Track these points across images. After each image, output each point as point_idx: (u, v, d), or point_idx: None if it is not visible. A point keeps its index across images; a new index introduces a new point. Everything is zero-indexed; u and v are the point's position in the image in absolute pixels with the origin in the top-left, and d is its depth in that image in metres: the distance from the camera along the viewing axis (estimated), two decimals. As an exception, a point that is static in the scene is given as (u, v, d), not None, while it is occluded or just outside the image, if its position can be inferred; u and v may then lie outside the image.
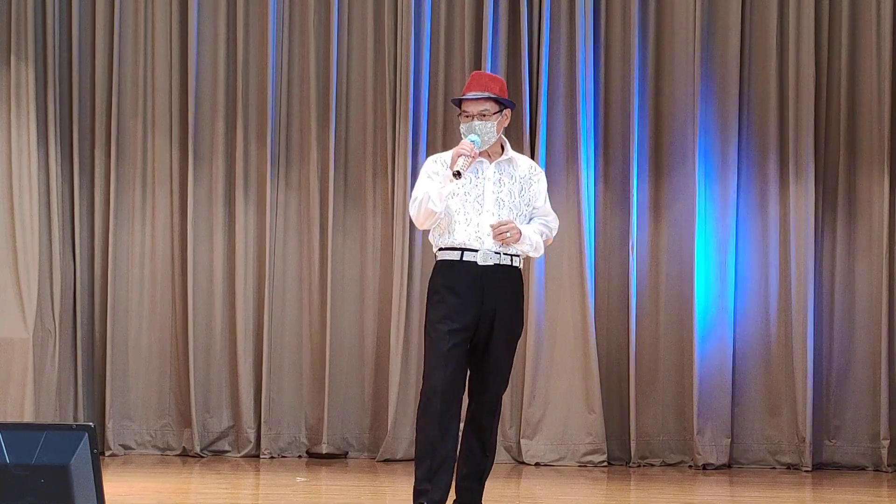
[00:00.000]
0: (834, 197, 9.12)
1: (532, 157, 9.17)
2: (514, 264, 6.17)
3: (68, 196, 9.42)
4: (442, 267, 6.16)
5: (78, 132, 9.41)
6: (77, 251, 9.40)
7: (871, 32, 9.06)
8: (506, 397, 9.21)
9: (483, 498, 6.29)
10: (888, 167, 8.97)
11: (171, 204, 9.46)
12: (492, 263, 6.11)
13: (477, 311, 6.08)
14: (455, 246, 6.12)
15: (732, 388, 9.10)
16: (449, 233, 6.14)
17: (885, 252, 8.95)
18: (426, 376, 6.08)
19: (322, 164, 9.37)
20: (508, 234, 6.07)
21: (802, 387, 8.96)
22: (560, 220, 9.16)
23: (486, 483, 6.32)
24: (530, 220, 6.29)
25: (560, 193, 9.19)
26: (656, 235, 9.25)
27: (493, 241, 6.09)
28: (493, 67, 9.19)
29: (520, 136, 9.20)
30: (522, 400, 9.17)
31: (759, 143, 9.18)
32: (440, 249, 6.18)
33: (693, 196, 9.08)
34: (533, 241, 6.20)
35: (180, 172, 9.45)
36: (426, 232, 6.35)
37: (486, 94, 6.14)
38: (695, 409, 9.02)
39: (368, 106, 9.40)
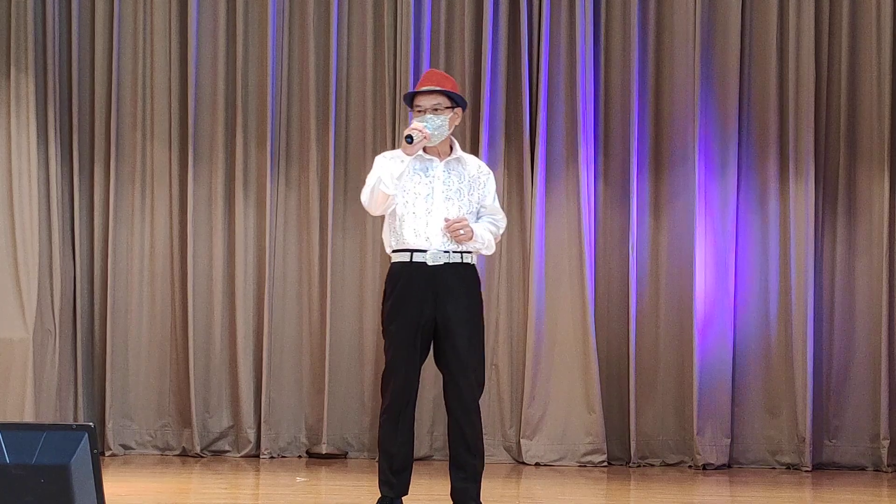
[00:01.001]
0: (834, 196, 9.12)
1: (532, 156, 9.18)
2: (466, 261, 6.24)
3: (68, 196, 9.42)
4: (394, 269, 6.25)
5: (77, 132, 9.41)
6: (77, 251, 9.40)
7: (871, 32, 9.06)
8: (506, 397, 9.25)
9: (482, 497, 6.30)
10: (888, 166, 8.97)
11: (171, 204, 9.46)
12: (442, 263, 6.18)
13: (431, 311, 6.17)
14: (405, 247, 6.21)
15: (732, 387, 9.10)
16: (399, 234, 6.22)
17: (885, 252, 8.95)
18: (386, 377, 6.25)
19: (322, 163, 9.37)
20: (462, 232, 6.15)
21: (802, 387, 8.96)
22: (560, 219, 9.27)
23: (486, 483, 6.32)
24: (478, 218, 6.34)
25: (560, 193, 9.19)
26: (656, 235, 9.25)
27: (442, 240, 6.16)
28: (493, 67, 9.20)
29: (520, 136, 9.20)
30: (522, 400, 9.17)
31: (759, 142, 9.18)
32: (393, 251, 6.25)
33: (693, 195, 9.08)
34: (485, 239, 6.28)
35: (180, 172, 9.45)
36: (382, 233, 6.39)
37: (439, 89, 6.21)
38: (695, 409, 9.02)
39: (368, 106, 9.41)
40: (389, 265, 6.31)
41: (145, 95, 9.48)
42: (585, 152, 9.15)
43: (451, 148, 6.33)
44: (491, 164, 9.19)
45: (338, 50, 9.34)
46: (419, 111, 6.21)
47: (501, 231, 6.47)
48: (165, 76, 9.45)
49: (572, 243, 9.15)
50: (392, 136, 9.26)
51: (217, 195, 9.42)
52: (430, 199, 6.21)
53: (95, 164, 9.44)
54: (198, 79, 9.40)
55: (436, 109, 6.19)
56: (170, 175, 9.46)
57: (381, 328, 6.41)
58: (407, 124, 9.14)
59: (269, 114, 9.34)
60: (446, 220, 6.15)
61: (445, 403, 6.29)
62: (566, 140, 9.23)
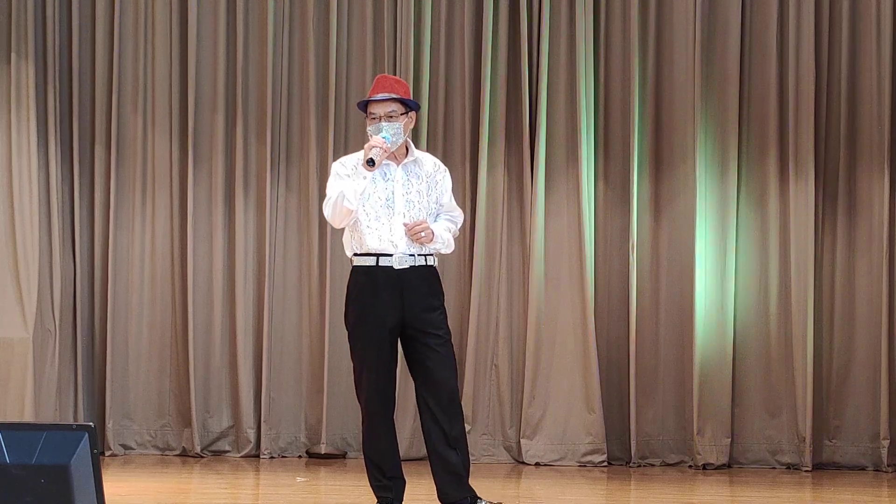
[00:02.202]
0: (834, 196, 9.12)
1: (532, 156, 9.18)
2: (429, 263, 6.32)
3: (68, 196, 9.42)
4: (358, 274, 6.27)
5: (78, 132, 9.41)
6: (77, 251, 9.40)
7: (871, 32, 9.06)
8: (506, 397, 9.25)
9: (477, 492, 6.33)
10: (888, 166, 8.97)
11: (171, 204, 9.46)
12: (408, 266, 6.24)
13: (399, 314, 6.20)
14: (370, 251, 6.24)
15: (732, 387, 9.10)
16: (362, 238, 6.23)
17: (885, 251, 8.95)
18: (359, 383, 6.27)
19: (322, 164, 9.37)
20: (423, 235, 6.21)
21: (802, 386, 8.96)
22: (560, 219, 9.27)
23: (486, 483, 6.35)
24: (437, 216, 6.41)
25: (560, 192, 9.19)
26: (656, 234, 9.25)
27: (406, 243, 6.20)
28: (493, 67, 9.20)
29: (520, 136, 9.20)
30: (522, 400, 9.17)
31: (759, 141, 9.18)
32: (355, 255, 6.26)
33: (693, 195, 9.08)
34: (444, 238, 6.37)
35: (180, 172, 9.45)
36: (343, 235, 6.42)
37: (392, 96, 6.24)
38: (695, 408, 9.02)
39: (368, 106, 9.40)
40: (351, 269, 6.33)
41: (146, 95, 9.48)
42: (585, 152, 9.15)
43: (407, 150, 6.36)
44: (491, 164, 9.20)
45: (338, 50, 9.34)
46: (373, 118, 6.25)
47: (459, 226, 6.56)
48: (166, 75, 9.45)
49: (572, 243, 9.15)
50: (392, 136, 9.25)
51: (217, 195, 9.42)
52: (392, 203, 6.25)
53: (96, 165, 9.44)
54: (198, 78, 9.40)
55: (390, 117, 6.22)
56: (170, 175, 9.46)
57: (346, 334, 6.40)
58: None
59: (269, 114, 9.35)
60: (405, 224, 6.20)
61: (420, 405, 6.31)
62: (566, 140, 9.22)
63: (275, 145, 9.39)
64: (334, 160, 9.31)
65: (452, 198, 6.53)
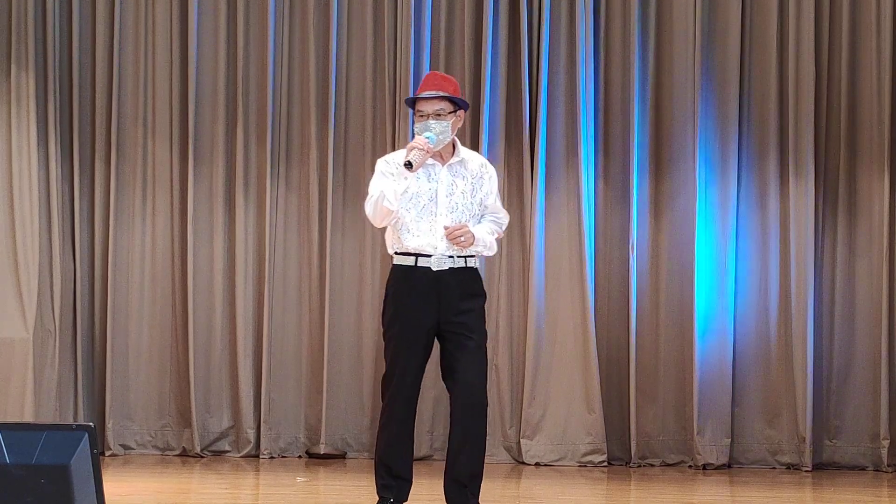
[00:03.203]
0: (834, 196, 9.12)
1: (532, 156, 9.17)
2: (469, 265, 6.24)
3: (68, 196, 9.42)
4: (397, 272, 6.22)
5: (78, 132, 9.40)
6: (77, 251, 9.40)
7: (871, 32, 9.06)
8: (506, 397, 9.24)
9: (481, 498, 6.30)
10: (888, 166, 8.97)
11: (171, 204, 9.46)
12: (446, 268, 6.17)
13: (435, 315, 6.15)
14: (409, 251, 6.18)
15: (732, 387, 9.09)
16: (403, 238, 6.19)
17: (885, 251, 8.95)
18: (390, 380, 6.24)
19: (322, 163, 9.37)
20: (463, 239, 6.13)
21: (802, 387, 8.96)
22: (560, 219, 9.27)
23: (486, 483, 6.32)
24: (481, 217, 6.33)
25: (560, 193, 9.19)
26: (656, 234, 9.25)
27: (446, 245, 6.13)
28: (493, 67, 9.19)
29: (520, 136, 9.20)
30: (522, 400, 9.17)
31: (759, 141, 9.18)
32: (395, 254, 6.22)
33: (693, 195, 9.08)
34: (486, 241, 6.27)
35: (180, 172, 9.45)
36: (385, 233, 6.40)
37: (441, 94, 6.16)
38: (695, 409, 9.02)
39: (368, 106, 9.40)
40: (391, 267, 6.29)
41: (146, 95, 9.47)
42: (585, 152, 9.15)
43: (454, 149, 6.30)
44: (491, 164, 9.18)
45: (338, 50, 9.34)
46: (421, 116, 6.18)
47: (503, 228, 6.47)
48: (166, 76, 9.44)
49: (572, 243, 9.15)
50: (392, 137, 9.26)
51: (217, 195, 9.42)
52: (434, 204, 6.18)
53: (96, 164, 9.44)
54: (198, 79, 9.40)
55: (438, 115, 6.15)
56: (170, 175, 9.46)
57: (381, 331, 6.39)
58: (407, 123, 9.18)
59: (269, 114, 9.34)
60: (445, 228, 6.13)
61: (452, 412, 6.25)
62: (566, 140, 9.22)
63: (275, 145, 9.38)
64: (334, 160, 9.36)
65: (498, 199, 6.43)
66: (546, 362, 9.16)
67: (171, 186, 9.46)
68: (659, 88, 9.26)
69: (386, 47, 9.32)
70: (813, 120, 9.02)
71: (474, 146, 9.22)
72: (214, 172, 9.43)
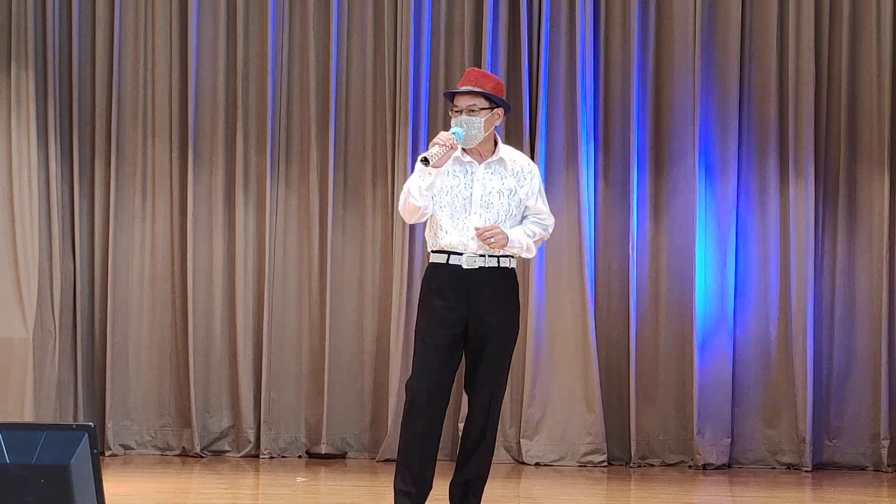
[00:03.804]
0: (834, 196, 9.12)
1: (532, 156, 9.16)
2: (504, 265, 6.11)
3: (68, 196, 9.42)
4: (430, 270, 6.16)
5: (78, 132, 9.40)
6: (77, 251, 9.40)
7: (871, 32, 9.06)
8: (506, 397, 9.23)
9: (482, 498, 6.29)
10: (888, 166, 8.97)
11: (171, 204, 9.46)
12: (477, 267, 6.06)
13: (464, 314, 6.05)
14: (442, 249, 6.10)
15: (732, 387, 9.09)
16: (438, 235, 6.12)
17: (885, 251, 8.95)
18: (413, 377, 6.09)
19: (322, 163, 9.37)
20: (493, 240, 6.02)
21: (802, 387, 8.96)
22: (560, 219, 9.23)
23: (486, 483, 6.31)
24: (523, 219, 6.22)
25: (560, 192, 9.19)
26: (656, 234, 9.25)
27: (478, 244, 6.04)
28: (494, 67, 9.19)
29: (520, 136, 9.20)
30: (522, 400, 9.17)
31: (759, 141, 9.18)
32: (431, 251, 6.19)
33: (693, 195, 9.08)
34: (522, 243, 6.13)
35: (180, 172, 9.45)
36: (424, 230, 6.36)
37: (476, 90, 6.11)
38: (695, 409, 9.02)
39: (368, 106, 9.41)
40: (427, 264, 6.25)
41: (146, 96, 9.47)
42: (585, 152, 9.15)
43: (495, 147, 6.25)
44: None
45: (338, 50, 9.34)
46: (457, 111, 6.14)
47: (549, 231, 6.30)
48: (166, 76, 9.44)
49: (572, 243, 9.15)
50: (392, 137, 9.26)
51: (217, 195, 9.42)
52: (469, 202, 6.10)
53: (96, 164, 9.44)
54: (198, 79, 9.40)
55: (471, 111, 6.10)
56: (170, 175, 9.46)
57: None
58: (408, 124, 9.18)
59: (269, 114, 9.34)
60: (476, 228, 6.03)
61: (468, 415, 6.22)
62: (566, 140, 9.22)
63: (275, 145, 9.38)
64: (334, 160, 9.36)
65: (542, 200, 6.26)
66: (546, 362, 9.16)
67: (171, 186, 9.46)
68: (659, 88, 9.26)
69: (386, 47, 9.32)
70: (813, 120, 9.02)
71: (474, 146, 9.21)
72: (214, 172, 9.42)
